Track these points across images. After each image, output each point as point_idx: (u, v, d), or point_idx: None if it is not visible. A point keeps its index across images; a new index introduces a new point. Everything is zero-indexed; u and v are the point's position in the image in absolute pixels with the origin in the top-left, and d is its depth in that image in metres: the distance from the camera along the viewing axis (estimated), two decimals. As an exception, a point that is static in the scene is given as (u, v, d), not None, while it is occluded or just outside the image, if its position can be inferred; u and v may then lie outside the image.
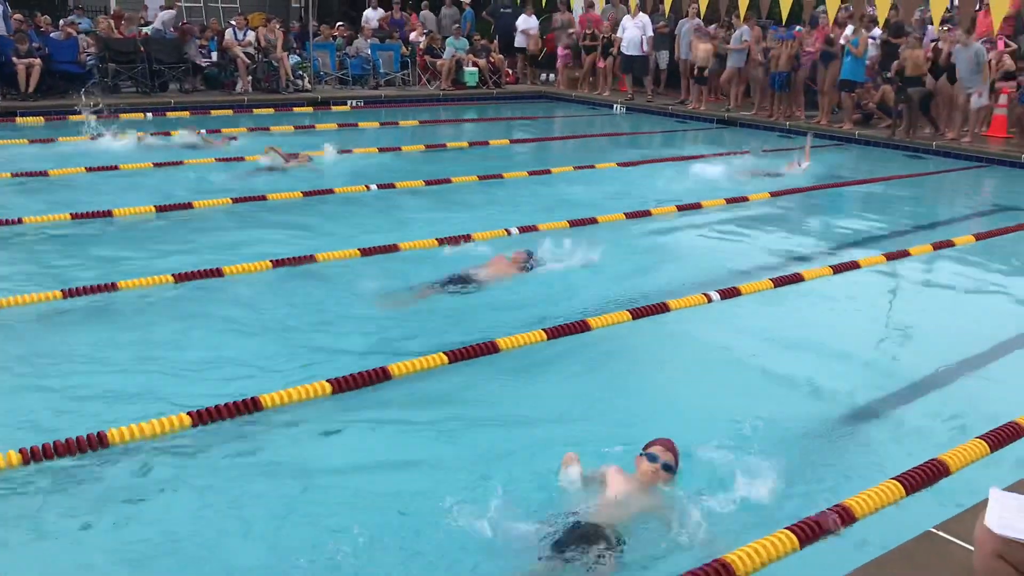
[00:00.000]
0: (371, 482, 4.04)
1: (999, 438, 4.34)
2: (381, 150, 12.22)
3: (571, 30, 19.76)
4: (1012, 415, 4.58)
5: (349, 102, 16.98)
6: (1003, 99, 14.54)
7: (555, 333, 5.64)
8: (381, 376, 4.92)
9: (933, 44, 14.85)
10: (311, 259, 6.99)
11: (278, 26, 17.63)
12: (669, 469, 3.85)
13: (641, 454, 3.90)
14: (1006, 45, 14.58)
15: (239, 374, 5.00)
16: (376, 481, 4.05)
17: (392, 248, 7.40)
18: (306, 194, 9.29)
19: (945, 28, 14.95)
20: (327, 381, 4.77)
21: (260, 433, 4.40)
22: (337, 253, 7.15)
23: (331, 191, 9.49)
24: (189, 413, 4.37)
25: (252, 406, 4.51)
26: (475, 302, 6.42)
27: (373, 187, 9.77)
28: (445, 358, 5.17)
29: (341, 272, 6.93)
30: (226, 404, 4.46)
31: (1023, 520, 2.60)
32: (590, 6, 19.97)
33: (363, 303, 6.33)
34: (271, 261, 6.82)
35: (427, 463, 4.19)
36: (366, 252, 7.26)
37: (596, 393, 5.07)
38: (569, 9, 20.20)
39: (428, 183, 10.21)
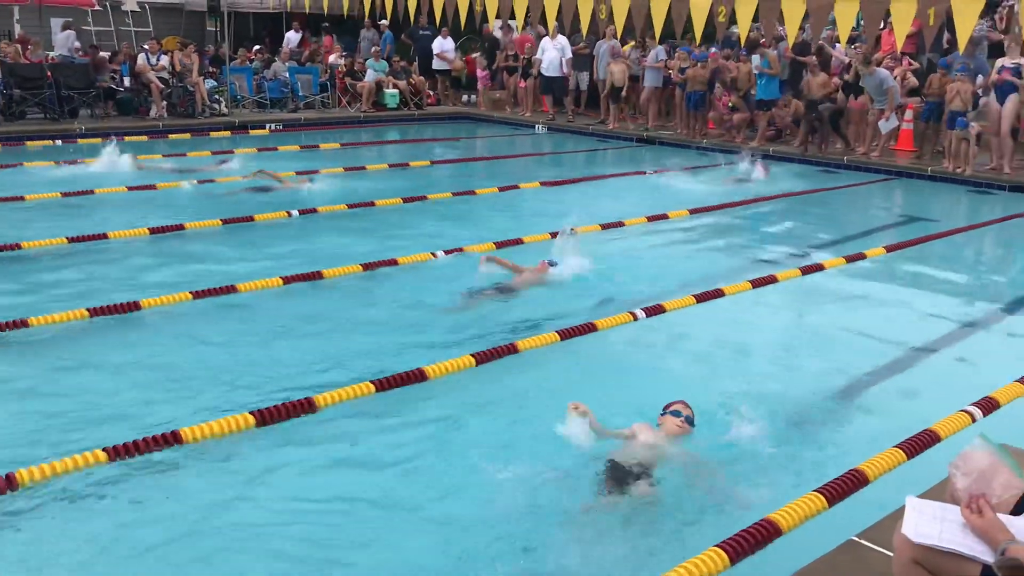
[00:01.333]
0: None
1: (915, 446, 4.47)
2: (299, 173, 12.10)
3: (508, 52, 19.90)
4: (926, 422, 4.73)
5: (268, 126, 16.77)
6: (908, 115, 15.12)
7: (484, 358, 5.63)
8: (306, 407, 4.85)
9: (846, 62, 15.39)
10: (232, 289, 6.85)
11: (193, 50, 17.35)
12: (690, 422, 4.55)
13: (664, 413, 4.56)
14: (909, 63, 15.17)
15: (157, 415, 4.88)
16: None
17: (315, 275, 7.31)
18: (226, 221, 9.12)
19: (853, 47, 15.48)
20: (250, 413, 4.68)
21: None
22: (260, 282, 7.03)
23: (251, 218, 9.33)
24: (105, 449, 4.25)
25: (172, 439, 4.41)
26: (400, 329, 6.40)
27: (294, 213, 9.64)
28: (372, 387, 5.12)
29: (262, 302, 6.82)
30: (145, 439, 4.35)
31: (938, 527, 2.69)
32: (508, 30, 20.13)
33: (289, 334, 6.24)
34: (191, 292, 6.67)
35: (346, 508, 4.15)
36: (288, 280, 7.16)
37: (526, 416, 5.08)
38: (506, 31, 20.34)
39: (350, 206, 10.13)
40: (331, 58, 20.09)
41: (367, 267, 7.61)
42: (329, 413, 4.87)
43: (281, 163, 12.84)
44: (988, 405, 5.00)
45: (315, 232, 9.24)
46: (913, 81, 14.84)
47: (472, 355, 5.62)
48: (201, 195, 10.76)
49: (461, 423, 4.96)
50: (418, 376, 5.31)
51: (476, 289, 7.23)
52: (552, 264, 7.59)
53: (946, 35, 14.67)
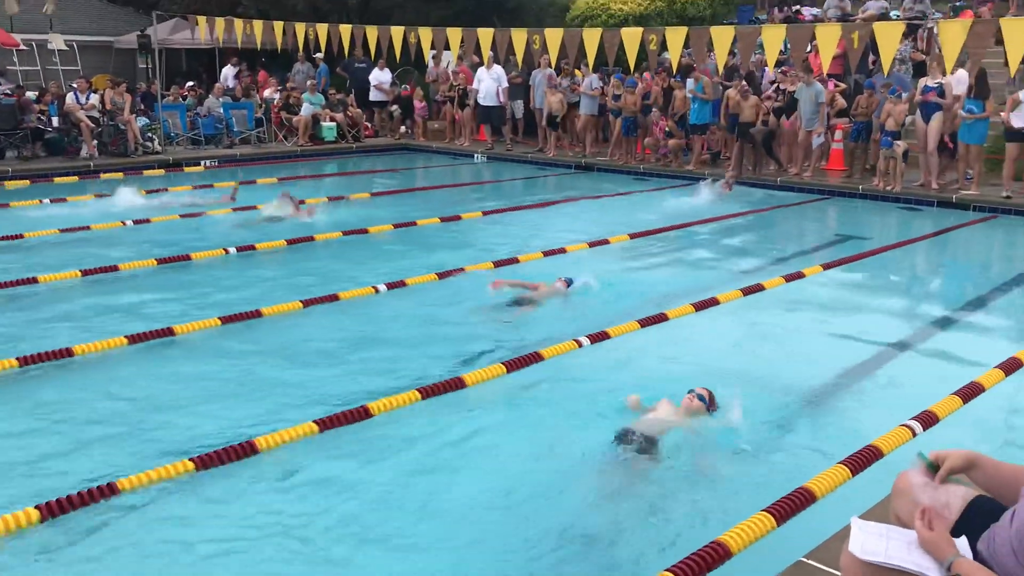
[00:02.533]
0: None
1: (859, 461, 4.53)
2: (235, 211, 11.94)
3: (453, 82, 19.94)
4: (868, 438, 4.79)
5: (203, 162, 16.55)
6: (839, 135, 15.53)
7: (428, 392, 5.57)
8: (248, 450, 4.75)
9: (774, 85, 15.74)
10: (169, 332, 6.70)
11: (124, 88, 17.06)
12: (703, 400, 5.19)
13: (689, 392, 5.23)
14: (836, 85, 15.58)
15: (87, 468, 4.73)
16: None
17: (254, 314, 7.19)
18: (161, 261, 8.93)
19: (780, 70, 15.84)
20: (190, 460, 4.56)
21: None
22: (196, 324, 6.89)
23: (187, 256, 9.16)
24: (39, 507, 4.09)
25: (108, 492, 4.27)
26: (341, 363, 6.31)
27: (232, 251, 9.49)
28: (316, 427, 5.03)
29: (199, 343, 6.68)
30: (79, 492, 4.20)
31: (884, 544, 2.71)
32: (439, 60, 20.21)
33: (225, 376, 6.11)
34: (126, 337, 6.50)
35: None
36: (227, 320, 7.02)
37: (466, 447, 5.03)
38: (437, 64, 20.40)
39: (290, 242, 10.01)
40: (266, 92, 19.94)
41: (307, 303, 7.51)
42: (271, 455, 4.77)
43: (216, 200, 12.68)
44: (927, 419, 5.09)
45: (252, 268, 9.10)
46: (841, 102, 15.23)
47: (418, 390, 5.56)
48: (142, 232, 10.54)
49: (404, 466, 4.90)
50: (363, 414, 5.23)
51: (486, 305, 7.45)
52: (569, 282, 8.02)
53: (871, 56, 15.09)
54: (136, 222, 11.01)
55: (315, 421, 5.07)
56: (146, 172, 15.55)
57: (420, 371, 6.11)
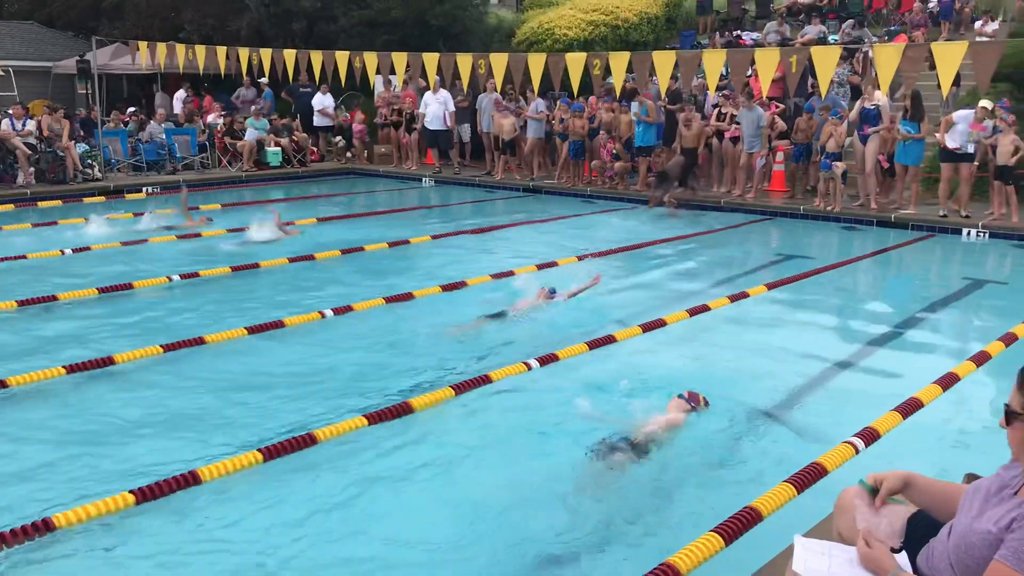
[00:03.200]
0: None
1: (804, 479, 4.58)
2: (180, 238, 11.76)
3: (393, 106, 19.92)
4: (812, 455, 4.85)
5: (144, 189, 16.31)
6: (780, 156, 15.83)
7: (377, 418, 5.52)
8: (190, 480, 4.65)
9: (717, 108, 16.01)
10: (110, 361, 6.55)
11: (62, 114, 16.76)
12: (684, 398, 5.61)
13: (678, 395, 5.62)
14: (776, 107, 15.89)
15: (21, 504, 4.59)
16: None
17: (197, 342, 7.07)
18: (102, 290, 8.75)
19: (721, 94, 16.12)
20: (131, 492, 4.45)
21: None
22: (138, 352, 6.75)
23: (129, 285, 8.98)
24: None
25: (43, 528, 4.14)
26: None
27: (175, 277, 9.33)
28: (261, 456, 4.95)
29: (146, 369, 6.55)
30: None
31: (827, 561, 2.75)
32: (389, 84, 20.22)
33: (172, 406, 5.99)
34: (64, 367, 6.34)
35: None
36: (169, 348, 6.90)
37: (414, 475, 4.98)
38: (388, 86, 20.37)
39: (234, 269, 9.88)
40: (209, 118, 19.75)
41: (252, 331, 7.41)
42: (214, 486, 4.68)
43: (158, 228, 12.49)
44: (869, 435, 5.17)
45: (195, 296, 8.95)
46: (782, 124, 15.54)
47: (364, 415, 5.51)
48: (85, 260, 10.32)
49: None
50: (308, 440, 5.16)
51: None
52: (552, 292, 8.35)
53: (810, 80, 15.43)
54: (76, 250, 10.78)
55: (259, 450, 4.99)
56: (86, 200, 15.27)
57: (367, 396, 6.06)
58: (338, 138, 20.53)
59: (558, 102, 17.37)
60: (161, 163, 17.98)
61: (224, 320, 7.81)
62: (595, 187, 16.72)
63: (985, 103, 13.21)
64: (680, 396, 5.70)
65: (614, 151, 16.42)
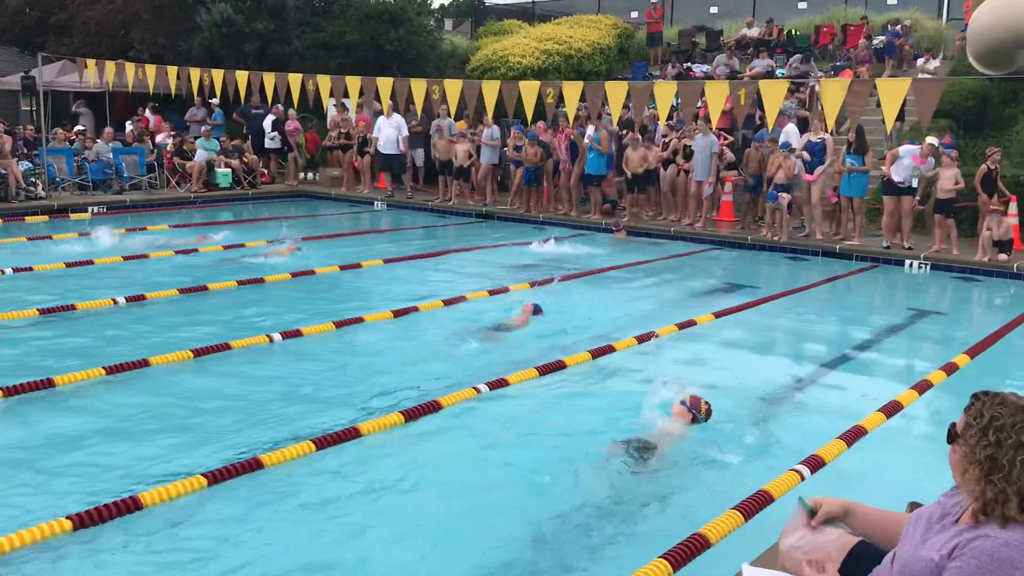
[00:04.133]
0: None
1: (751, 507, 4.61)
2: (126, 259, 11.55)
3: (341, 129, 19.84)
4: (759, 483, 4.90)
5: (90, 209, 16.01)
6: (728, 187, 16.10)
7: (324, 443, 5.45)
8: (132, 506, 4.54)
9: (666, 138, 16.25)
10: (49, 383, 6.38)
11: (3, 130, 16.41)
12: (685, 404, 5.90)
13: (680, 401, 5.90)
14: (724, 138, 16.17)
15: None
16: None
17: (142, 364, 6.94)
18: (43, 312, 8.54)
19: (671, 123, 16.36)
20: (68, 518, 4.33)
21: None
22: (81, 374, 6.59)
23: (72, 307, 8.78)
24: None
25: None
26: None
27: (121, 300, 9.15)
28: (205, 480, 4.85)
29: (87, 392, 6.40)
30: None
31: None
32: (343, 108, 20.18)
33: (113, 429, 5.85)
34: (1, 389, 6.17)
35: None
36: (112, 370, 6.75)
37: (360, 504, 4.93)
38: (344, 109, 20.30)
39: (181, 291, 9.72)
40: (159, 137, 19.49)
41: (198, 353, 7.29)
42: (158, 511, 4.57)
43: (104, 248, 12.27)
44: (815, 463, 5.24)
45: (143, 319, 8.78)
46: (730, 155, 15.82)
47: (312, 440, 5.44)
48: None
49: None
50: (256, 464, 5.08)
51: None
52: (537, 310, 8.81)
53: (758, 112, 15.74)
54: (17, 270, 10.53)
55: (203, 474, 4.89)
56: (28, 219, 14.96)
57: (315, 421, 5.99)
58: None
59: (512, 129, 17.47)
60: (108, 182, 17.68)
61: (170, 342, 7.67)
62: (547, 214, 16.81)
63: (932, 140, 13.59)
64: (682, 403, 5.92)
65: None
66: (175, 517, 4.58)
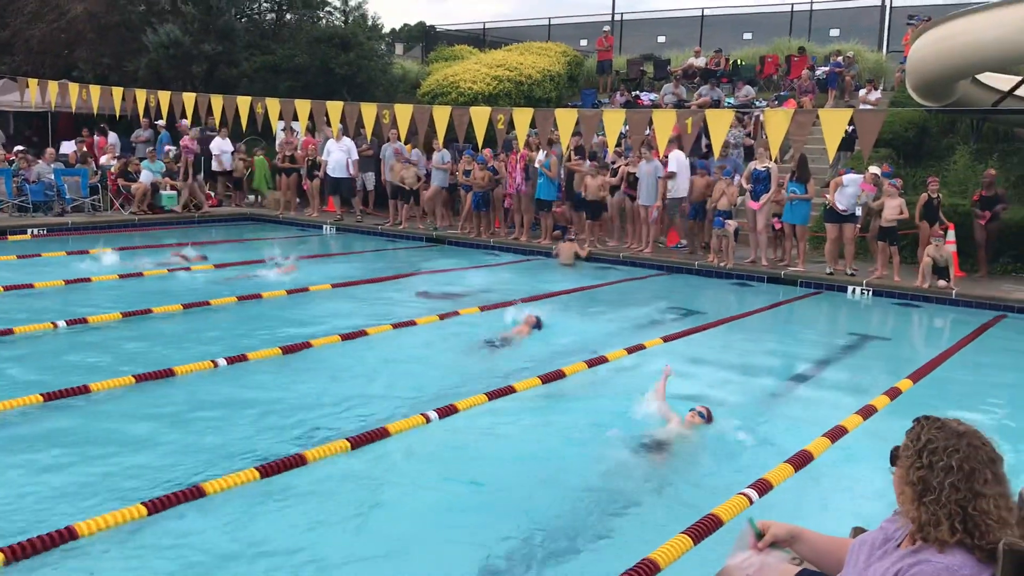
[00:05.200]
0: None
1: (700, 531, 4.62)
2: (67, 283, 11.30)
3: (285, 153, 19.69)
4: (707, 507, 4.91)
5: (29, 231, 15.64)
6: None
7: (268, 471, 5.35)
8: (67, 536, 4.40)
9: (614, 164, 16.40)
10: (-16, 409, 6.20)
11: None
12: (702, 416, 6.59)
13: (691, 409, 6.61)
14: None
15: None
16: None
17: (82, 390, 6.76)
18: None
19: (619, 149, 16.53)
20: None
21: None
22: (13, 402, 6.40)
23: (10, 331, 8.54)
24: None
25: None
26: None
27: (61, 324, 8.92)
28: (145, 509, 4.73)
29: (24, 419, 6.21)
30: None
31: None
32: (292, 131, 20.07)
33: (50, 460, 5.68)
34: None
35: None
36: (50, 397, 6.56)
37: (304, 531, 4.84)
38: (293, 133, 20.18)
39: (125, 315, 9.51)
40: (103, 159, 19.16)
41: (139, 379, 7.13)
42: (94, 541, 4.44)
43: (45, 271, 11.98)
44: (763, 487, 5.28)
45: (82, 347, 8.56)
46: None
47: (256, 468, 5.34)
48: None
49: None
50: (197, 492, 4.97)
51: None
52: (537, 323, 9.42)
53: (704, 140, 15.98)
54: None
55: (143, 503, 4.77)
56: (-35, 239, 14.56)
57: (260, 448, 5.88)
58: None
59: (463, 154, 17.51)
60: (49, 204, 17.30)
61: (111, 368, 7.49)
62: (498, 239, 16.84)
63: (874, 169, 13.90)
64: (694, 411, 6.61)
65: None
66: (115, 541, 4.45)
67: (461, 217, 17.69)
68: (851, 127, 13.85)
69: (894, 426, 2.82)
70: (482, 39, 30.50)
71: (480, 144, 16.42)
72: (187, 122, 19.60)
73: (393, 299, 11.49)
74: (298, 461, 5.54)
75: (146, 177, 18.24)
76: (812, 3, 27.21)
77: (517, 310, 9.54)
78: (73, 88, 18.61)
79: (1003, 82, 16.45)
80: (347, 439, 5.93)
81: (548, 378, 7.77)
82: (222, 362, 7.75)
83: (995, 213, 13.83)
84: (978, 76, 16.42)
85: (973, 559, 2.39)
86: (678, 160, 15.06)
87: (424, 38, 31.32)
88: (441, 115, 16.14)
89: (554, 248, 15.64)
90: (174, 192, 18.50)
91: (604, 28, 25.70)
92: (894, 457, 2.61)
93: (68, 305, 9.99)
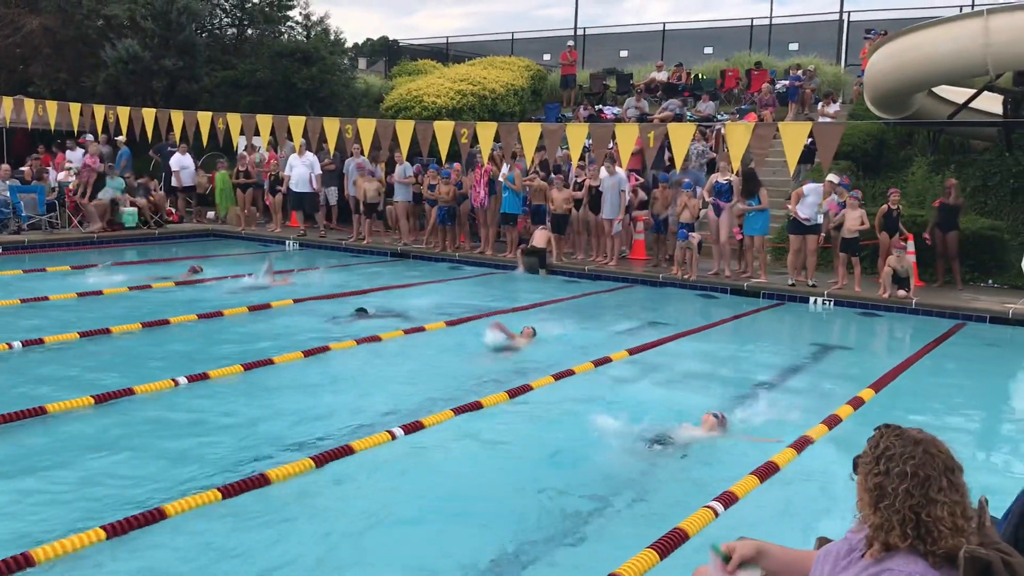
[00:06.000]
0: None
1: (667, 545, 4.61)
2: (23, 301, 11.09)
3: (239, 168, 19.53)
4: (673, 520, 4.90)
5: (-16, 249, 15.37)
6: (640, 226, 16.37)
7: (230, 492, 5.27)
8: (23, 563, 4.29)
9: (578, 180, 16.46)
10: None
11: None
12: (717, 418, 6.90)
13: (709, 413, 6.95)
14: (636, 179, 16.48)
15: None
16: None
17: (38, 411, 6.62)
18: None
19: (583, 163, 16.61)
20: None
21: None
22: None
23: (-38, 351, 8.37)
24: None
25: None
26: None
27: (16, 345, 8.75)
28: (104, 533, 4.62)
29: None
30: None
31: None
32: (252, 148, 19.93)
33: (10, 477, 5.55)
34: None
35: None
36: (5, 419, 6.42)
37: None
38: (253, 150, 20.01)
39: (82, 335, 9.35)
40: (60, 175, 18.87)
41: (100, 399, 7.00)
42: (54, 566, 4.33)
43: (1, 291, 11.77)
44: (728, 499, 5.28)
45: (38, 365, 8.40)
46: (642, 195, 16.11)
47: (218, 488, 5.25)
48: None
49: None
50: (158, 515, 4.87)
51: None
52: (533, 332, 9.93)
53: (667, 153, 16.09)
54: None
55: (102, 527, 4.66)
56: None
57: (225, 466, 5.79)
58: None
59: (428, 168, 17.48)
60: (4, 222, 16.99)
61: (70, 388, 7.35)
62: (463, 253, 16.81)
63: (832, 177, 14.07)
64: (713, 414, 6.92)
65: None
66: (72, 566, 4.35)
67: (426, 231, 17.65)
68: (811, 139, 14.00)
69: (858, 435, 2.83)
70: (445, 53, 30.54)
71: (444, 159, 16.41)
72: (91, 136, 19.29)
73: (355, 315, 11.39)
74: (261, 481, 5.46)
75: (106, 194, 17.97)
76: (771, 17, 27.64)
77: (493, 330, 9.59)
78: (29, 104, 18.33)
79: (959, 95, 16.75)
80: (311, 457, 5.86)
81: (514, 393, 7.74)
82: (183, 380, 7.63)
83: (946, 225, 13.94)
84: (934, 89, 16.72)
85: (933, 568, 2.40)
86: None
87: (387, 52, 31.30)
88: (405, 129, 16.11)
89: (519, 260, 15.65)
90: (135, 209, 18.26)
91: (569, 43, 25.84)
92: (856, 465, 2.63)
93: (25, 326, 9.80)
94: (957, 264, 14.08)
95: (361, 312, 11.13)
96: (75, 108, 18.63)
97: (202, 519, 4.99)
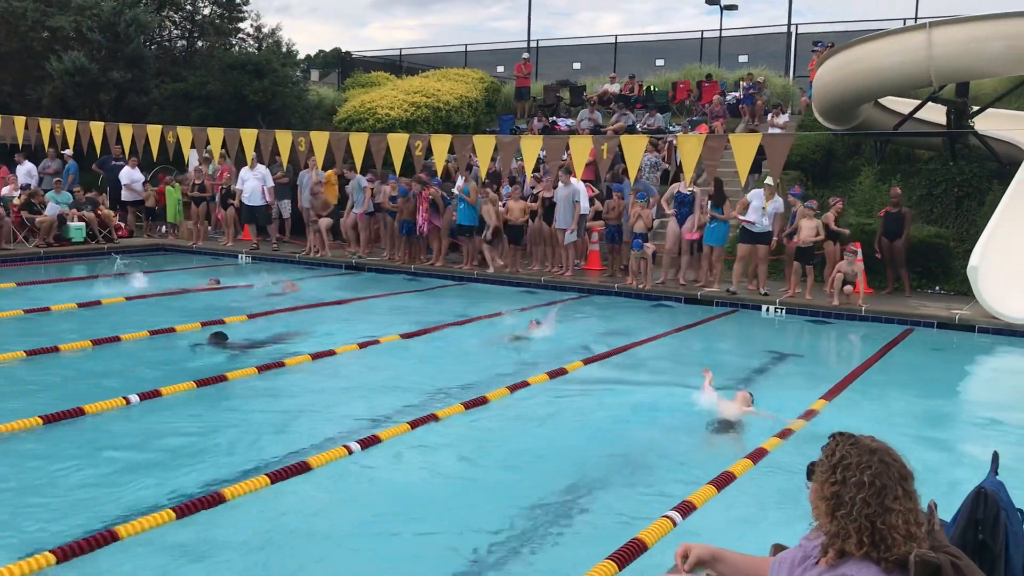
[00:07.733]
0: None
1: (625, 555, 4.63)
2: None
3: (195, 181, 19.30)
4: (631, 532, 4.93)
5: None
6: (595, 236, 16.47)
7: (184, 511, 5.18)
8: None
9: (533, 191, 16.53)
10: None
11: None
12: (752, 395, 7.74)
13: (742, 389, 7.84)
14: (592, 190, 16.57)
15: None
16: None
17: (-16, 433, 6.47)
18: None
19: (537, 175, 16.69)
20: None
21: None
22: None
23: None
24: None
25: None
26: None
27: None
28: (54, 557, 4.52)
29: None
30: None
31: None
32: (205, 161, 19.69)
33: None
34: None
35: None
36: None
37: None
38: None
39: (29, 353, 9.14)
40: (4, 190, 18.48)
41: (48, 420, 6.84)
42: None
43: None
44: (686, 508, 5.32)
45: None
46: (598, 206, 16.21)
47: (172, 508, 5.16)
48: None
49: None
50: (109, 538, 4.78)
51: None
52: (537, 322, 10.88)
53: (620, 164, 16.23)
54: None
55: (52, 551, 4.56)
56: None
57: (177, 486, 5.70)
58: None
59: (389, 179, 17.37)
60: (-54, 238, 16.61)
61: (14, 407, 7.18)
62: (420, 265, 16.76)
63: (769, 181, 14.27)
64: (742, 391, 7.82)
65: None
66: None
67: (387, 243, 17.57)
68: (761, 151, 14.23)
69: (811, 444, 2.87)
70: (399, 65, 30.49)
71: (398, 171, 16.37)
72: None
73: (315, 329, 11.29)
74: (216, 499, 5.38)
75: (52, 209, 17.64)
76: (721, 30, 28.03)
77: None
78: (-28, 117, 17.94)
79: (904, 105, 17.14)
80: (267, 474, 5.79)
81: (470, 404, 7.73)
82: (135, 398, 7.50)
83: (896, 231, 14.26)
84: (881, 100, 17.09)
85: (885, 573, 2.45)
86: (579, 190, 15.26)
87: (340, 64, 31.14)
88: (358, 142, 16.06)
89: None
90: (82, 224, 17.94)
91: (524, 55, 25.95)
92: (810, 472, 2.67)
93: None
94: (905, 271, 14.38)
95: (219, 337, 10.06)
96: (20, 121, 18.28)
97: (156, 540, 4.90)
